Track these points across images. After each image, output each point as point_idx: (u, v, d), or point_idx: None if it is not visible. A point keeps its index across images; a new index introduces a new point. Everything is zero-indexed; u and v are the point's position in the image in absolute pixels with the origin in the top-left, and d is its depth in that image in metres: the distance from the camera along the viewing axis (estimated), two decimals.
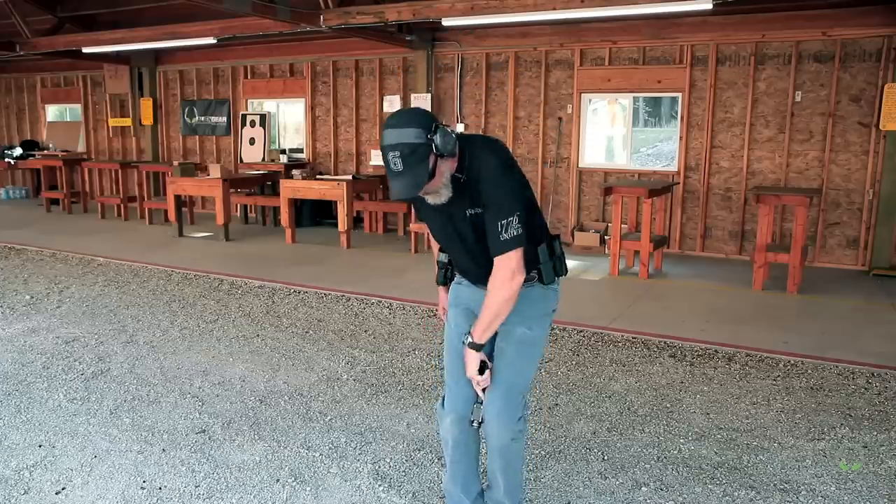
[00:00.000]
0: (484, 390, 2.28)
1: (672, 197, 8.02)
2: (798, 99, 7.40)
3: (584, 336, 4.88)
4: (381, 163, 9.94)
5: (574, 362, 4.35)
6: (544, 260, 2.25)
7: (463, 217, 2.16)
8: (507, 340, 2.28)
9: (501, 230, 2.05)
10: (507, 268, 2.08)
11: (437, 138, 1.99)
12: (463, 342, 2.24)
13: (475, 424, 2.31)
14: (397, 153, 1.97)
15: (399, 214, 9.26)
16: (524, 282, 2.13)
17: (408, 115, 2.04)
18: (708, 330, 5.08)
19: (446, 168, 2.07)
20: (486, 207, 2.08)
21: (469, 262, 2.31)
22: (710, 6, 6.06)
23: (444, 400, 2.42)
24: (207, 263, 7.32)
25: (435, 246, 2.56)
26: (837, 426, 3.46)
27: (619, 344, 4.74)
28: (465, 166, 2.11)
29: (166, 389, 3.84)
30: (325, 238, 8.85)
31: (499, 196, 2.07)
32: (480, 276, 2.24)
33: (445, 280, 2.54)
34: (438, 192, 2.09)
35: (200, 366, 4.23)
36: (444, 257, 2.51)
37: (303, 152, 10.68)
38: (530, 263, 2.18)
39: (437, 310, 2.63)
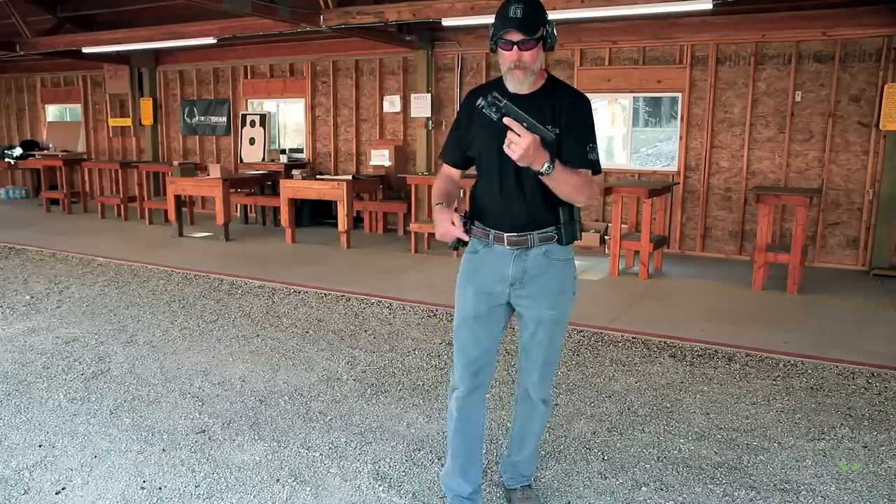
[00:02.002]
0: None
1: (672, 197, 8.02)
2: (798, 99, 7.41)
3: (584, 336, 4.88)
4: (381, 162, 9.80)
5: (574, 362, 4.35)
6: (565, 220, 2.33)
7: None
8: (540, 325, 2.41)
9: (590, 150, 2.28)
10: (591, 179, 2.29)
11: (550, 26, 2.24)
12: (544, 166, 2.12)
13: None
14: (521, 5, 2.16)
15: (399, 214, 9.26)
16: (544, 246, 2.31)
17: None
18: (708, 330, 5.08)
19: (540, 60, 2.25)
20: (574, 128, 2.27)
21: (512, 193, 2.29)
22: (710, 6, 6.06)
23: (454, 375, 2.49)
24: (207, 263, 7.32)
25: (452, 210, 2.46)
26: (837, 426, 3.46)
27: (619, 344, 4.74)
28: (549, 89, 2.31)
29: (166, 389, 3.84)
30: (325, 238, 8.85)
31: (589, 125, 2.30)
32: (518, 212, 2.30)
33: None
34: (525, 73, 2.23)
35: (200, 366, 4.23)
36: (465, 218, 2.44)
37: (303, 152, 10.68)
38: (552, 221, 2.31)
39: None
